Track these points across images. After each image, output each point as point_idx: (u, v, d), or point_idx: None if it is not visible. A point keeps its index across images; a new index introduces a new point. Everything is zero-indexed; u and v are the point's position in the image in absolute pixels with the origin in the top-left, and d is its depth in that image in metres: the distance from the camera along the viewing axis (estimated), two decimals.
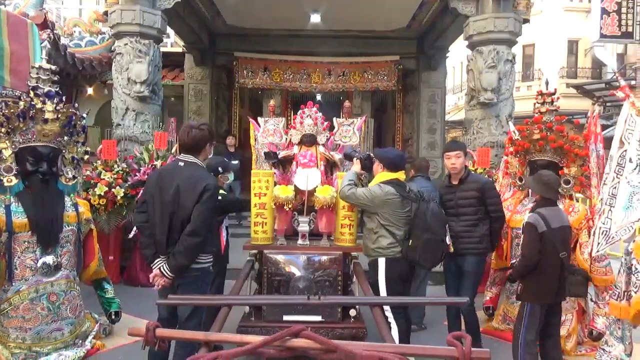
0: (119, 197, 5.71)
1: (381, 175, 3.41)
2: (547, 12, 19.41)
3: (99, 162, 5.98)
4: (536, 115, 4.39)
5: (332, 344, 1.79)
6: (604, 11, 10.89)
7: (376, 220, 3.33)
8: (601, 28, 10.96)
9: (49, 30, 6.12)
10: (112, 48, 7.21)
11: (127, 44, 6.43)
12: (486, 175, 6.01)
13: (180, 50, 10.48)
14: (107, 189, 5.70)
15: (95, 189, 5.63)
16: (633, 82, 11.48)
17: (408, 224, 3.33)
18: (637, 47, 11.49)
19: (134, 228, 4.76)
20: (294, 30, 9.81)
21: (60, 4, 11.31)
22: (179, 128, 9.14)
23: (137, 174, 5.91)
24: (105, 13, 7.06)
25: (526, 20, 6.87)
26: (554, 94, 4.34)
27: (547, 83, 4.58)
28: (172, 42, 11.46)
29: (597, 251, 2.99)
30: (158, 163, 5.96)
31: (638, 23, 10.94)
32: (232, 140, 9.19)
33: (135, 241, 5.79)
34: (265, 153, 4.11)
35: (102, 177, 5.76)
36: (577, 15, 19.37)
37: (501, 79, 6.44)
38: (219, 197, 3.69)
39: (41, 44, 4.09)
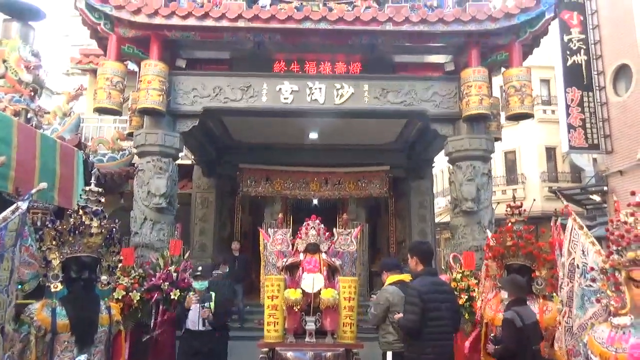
0: (135, 301, 6.15)
1: (389, 278, 4.12)
2: (523, 122, 21.16)
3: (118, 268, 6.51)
4: (508, 224, 5.11)
5: None
6: (570, 126, 12.21)
7: (385, 319, 3.96)
8: (569, 141, 12.21)
9: (82, 152, 6.99)
10: (134, 164, 8.09)
11: (149, 161, 7.28)
12: (473, 277, 6.56)
13: (189, 162, 11.48)
14: (124, 293, 6.17)
15: (114, 293, 6.10)
16: (605, 188, 12.50)
17: None
18: (605, 157, 12.64)
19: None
20: (293, 144, 10.90)
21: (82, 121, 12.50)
22: (183, 233, 9.82)
23: (152, 279, 6.41)
24: (130, 134, 8.08)
25: (498, 139, 7.91)
26: (520, 206, 5.10)
27: (514, 198, 5.36)
28: (183, 155, 12.50)
29: (566, 346, 3.52)
30: (172, 268, 6.49)
31: (602, 136, 12.22)
32: (236, 245, 9.80)
33: (147, 345, 6.13)
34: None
35: (120, 282, 6.25)
36: (551, 125, 21.07)
37: (479, 190, 7.25)
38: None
39: (91, 170, 4.88)
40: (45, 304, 4.01)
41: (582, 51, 12.99)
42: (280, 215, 5.66)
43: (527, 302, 4.40)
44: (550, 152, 21.66)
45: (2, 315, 3.14)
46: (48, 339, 3.88)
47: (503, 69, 7.73)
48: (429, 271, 4.02)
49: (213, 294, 4.79)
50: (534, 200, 17.95)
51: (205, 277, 4.88)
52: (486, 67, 7.45)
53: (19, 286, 3.91)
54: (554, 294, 4.93)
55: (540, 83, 21.31)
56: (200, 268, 5.01)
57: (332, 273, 4.76)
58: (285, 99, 7.46)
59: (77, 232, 4.15)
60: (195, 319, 4.79)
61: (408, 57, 8.27)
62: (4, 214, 2.86)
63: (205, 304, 4.70)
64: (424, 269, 3.93)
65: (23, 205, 3.03)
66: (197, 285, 4.83)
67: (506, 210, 5.17)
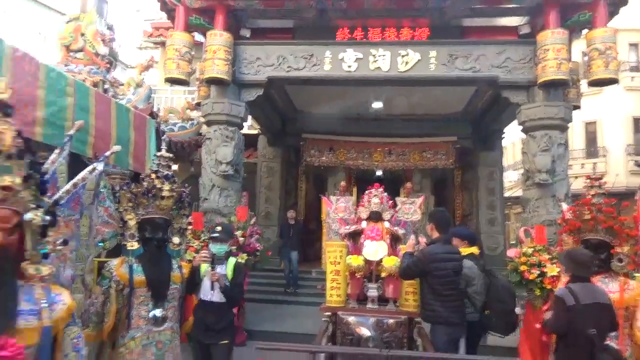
0: None
1: (462, 250, 4.14)
2: (607, 91, 19.48)
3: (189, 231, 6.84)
4: (587, 197, 4.76)
5: None
6: None
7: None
8: None
9: (154, 120, 7.31)
10: (202, 133, 8.38)
11: (216, 130, 7.51)
12: (545, 252, 6.23)
13: (255, 132, 11.71)
14: (195, 255, 6.49)
15: (185, 255, 6.44)
16: None
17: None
18: None
19: None
20: (357, 114, 10.78)
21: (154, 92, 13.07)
22: (250, 201, 10.10)
23: None
24: (198, 104, 8.34)
25: (576, 107, 7.34)
26: (601, 178, 4.73)
27: (594, 168, 4.98)
28: (249, 125, 12.78)
29: None
30: (239, 233, 6.72)
31: None
32: (292, 214, 9.89)
33: None
34: None
35: (190, 244, 6.59)
36: (639, 94, 19.32)
37: (555, 161, 6.82)
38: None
39: (162, 136, 5.10)
40: (123, 260, 4.29)
41: None
42: (342, 183, 5.63)
43: (607, 280, 4.05)
44: (638, 123, 19.90)
45: (83, 268, 3.39)
46: (126, 292, 4.17)
47: (585, 31, 7.11)
48: (444, 239, 4.09)
49: (233, 260, 4.29)
50: (617, 175, 16.70)
51: (226, 240, 4.40)
52: (566, 28, 6.89)
53: (101, 243, 4.20)
54: (636, 273, 4.61)
55: (629, 47, 19.49)
56: (218, 229, 4.33)
57: (394, 242, 4.70)
58: (348, 67, 7.34)
59: (150, 194, 4.36)
60: (207, 287, 4.26)
61: (478, 20, 7.82)
62: (82, 173, 3.06)
63: (216, 267, 4.17)
64: (440, 236, 4.04)
65: (99, 166, 3.22)
66: (215, 249, 4.31)
67: (585, 182, 4.83)
